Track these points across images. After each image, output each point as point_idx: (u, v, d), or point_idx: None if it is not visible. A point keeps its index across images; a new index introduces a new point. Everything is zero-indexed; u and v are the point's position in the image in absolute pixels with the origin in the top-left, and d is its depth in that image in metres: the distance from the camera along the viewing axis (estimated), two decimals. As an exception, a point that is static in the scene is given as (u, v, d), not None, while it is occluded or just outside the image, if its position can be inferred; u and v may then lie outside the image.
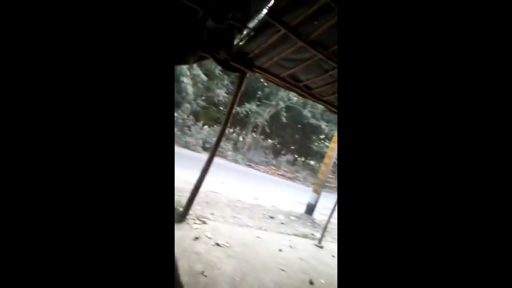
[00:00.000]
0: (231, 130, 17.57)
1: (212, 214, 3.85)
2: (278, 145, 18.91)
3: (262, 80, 13.42)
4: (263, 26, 2.04)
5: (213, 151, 3.02)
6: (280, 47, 2.25)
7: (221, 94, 13.27)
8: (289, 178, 15.05)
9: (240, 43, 2.42)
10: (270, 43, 2.23)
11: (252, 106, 14.67)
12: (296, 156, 19.45)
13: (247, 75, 2.85)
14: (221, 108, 15.82)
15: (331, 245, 4.27)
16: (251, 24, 2.12)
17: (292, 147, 19.11)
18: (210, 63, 12.25)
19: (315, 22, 1.82)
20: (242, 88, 2.91)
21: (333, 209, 4.03)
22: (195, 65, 11.26)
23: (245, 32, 2.25)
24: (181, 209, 3.14)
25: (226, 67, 2.63)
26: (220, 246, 2.78)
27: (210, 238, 2.88)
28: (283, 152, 18.97)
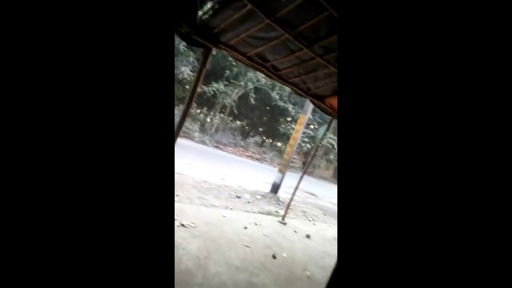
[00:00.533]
0: (198, 111, 17.02)
1: (177, 195, 3.78)
2: (246, 127, 18.92)
3: (230, 59, 13.00)
4: (228, -1, 1.92)
5: (177, 131, 2.90)
6: (247, 24, 2.17)
7: (186, 71, 12.60)
8: (257, 159, 15.33)
9: (204, 16, 2.27)
10: (236, 18, 2.12)
11: (219, 86, 14.26)
12: (264, 137, 19.75)
13: (213, 51, 2.72)
14: (186, 86, 15.10)
15: (294, 221, 4.54)
16: (216, -4, 1.99)
17: (261, 129, 19.31)
18: (175, 38, 11.39)
19: (282, 0, 1.77)
20: (207, 65, 2.78)
21: (296, 187, 4.24)
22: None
23: (209, 4, 2.11)
24: (143, 191, 3.01)
25: (189, 42, 2.47)
26: (185, 226, 2.77)
27: (174, 219, 2.85)
28: (251, 133, 19.08)
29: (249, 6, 1.88)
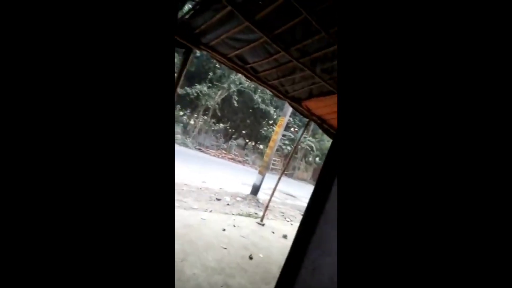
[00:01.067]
0: (181, 113, 16.72)
1: (154, 197, 3.69)
2: (229, 129, 18.84)
3: (214, 61, 12.94)
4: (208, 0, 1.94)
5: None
6: (227, 25, 2.19)
7: (169, 72, 12.37)
8: (239, 161, 15.30)
9: (185, 17, 2.26)
10: (217, 19, 2.14)
11: (203, 88, 14.12)
12: (247, 140, 19.78)
13: (197, 53, 2.71)
14: (169, 87, 14.80)
15: (272, 222, 4.58)
16: (195, -4, 2.00)
17: (243, 132, 19.31)
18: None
19: (260, 2, 1.82)
20: (190, 66, 2.76)
21: (274, 189, 4.29)
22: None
23: (189, 4, 2.11)
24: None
25: (169, 41, 2.44)
26: (161, 229, 2.71)
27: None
28: (234, 136, 19.03)
29: (229, 7, 1.91)
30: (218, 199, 4.82)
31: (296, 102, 3.35)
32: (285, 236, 3.93)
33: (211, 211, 3.97)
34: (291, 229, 4.52)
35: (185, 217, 3.29)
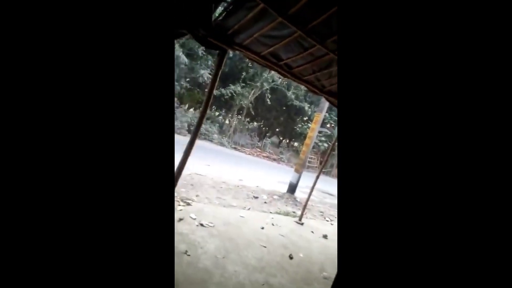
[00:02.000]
0: (217, 113, 17.31)
1: (197, 196, 3.87)
2: (263, 127, 18.92)
3: (246, 60, 13.11)
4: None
5: (195, 133, 2.97)
6: (260, 23, 2.18)
7: (205, 75, 12.88)
8: (274, 159, 15.27)
9: (219, 19, 2.31)
10: (249, 18, 2.14)
11: (237, 88, 14.39)
12: (281, 138, 19.64)
13: (230, 53, 2.76)
14: (206, 90, 15.43)
15: (311, 222, 4.46)
16: (228, -2, 2.02)
17: (277, 129, 19.22)
18: (194, 43, 11.72)
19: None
20: (223, 67, 2.82)
21: (312, 187, 4.17)
22: (176, 45, 10.75)
23: (221, 6, 2.15)
24: (163, 191, 3.11)
25: (206, 45, 2.52)
26: (204, 226, 2.82)
27: (194, 219, 2.91)
28: (268, 134, 19.04)
29: (262, 5, 1.89)
30: (256, 197, 4.87)
31: (333, 96, 3.20)
32: (325, 236, 3.80)
33: (249, 209, 4.03)
34: (331, 229, 4.35)
35: (225, 215, 3.38)
